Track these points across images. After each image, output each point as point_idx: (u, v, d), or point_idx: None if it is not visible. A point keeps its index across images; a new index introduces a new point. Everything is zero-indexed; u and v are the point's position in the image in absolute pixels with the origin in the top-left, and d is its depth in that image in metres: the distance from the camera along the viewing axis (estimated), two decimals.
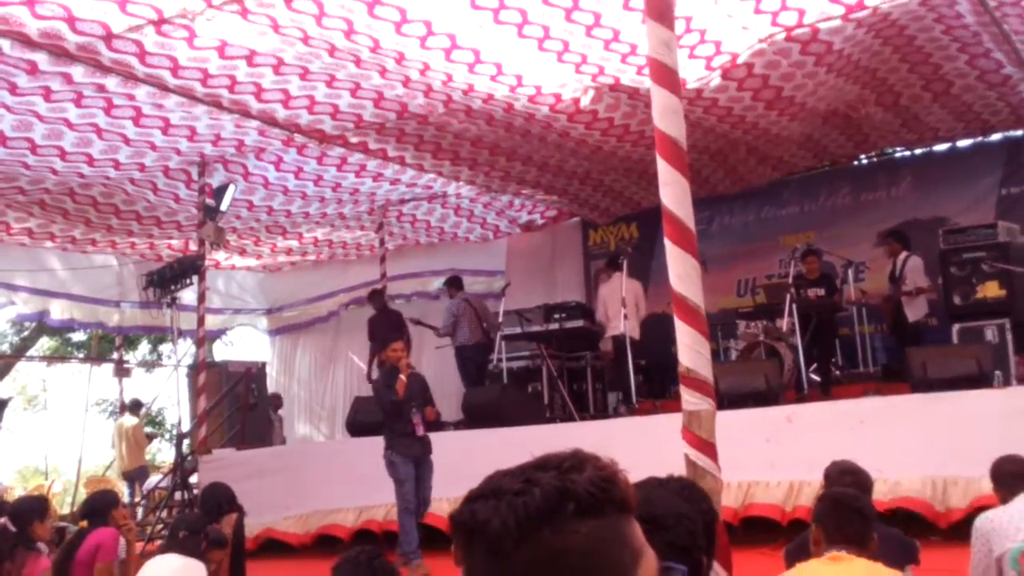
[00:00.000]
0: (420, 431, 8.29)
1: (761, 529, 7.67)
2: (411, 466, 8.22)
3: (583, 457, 1.18)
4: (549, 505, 1.11)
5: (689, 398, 4.30)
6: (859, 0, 7.78)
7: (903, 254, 10.67)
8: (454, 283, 12.71)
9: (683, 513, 2.29)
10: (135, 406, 15.13)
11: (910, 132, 11.44)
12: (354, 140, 10.02)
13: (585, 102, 9.11)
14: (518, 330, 11.04)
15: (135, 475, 13.99)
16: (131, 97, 8.44)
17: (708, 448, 4.22)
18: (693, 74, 8.56)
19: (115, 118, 8.88)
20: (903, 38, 8.79)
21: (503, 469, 1.19)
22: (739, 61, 8.59)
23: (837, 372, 11.03)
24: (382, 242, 13.58)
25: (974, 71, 9.46)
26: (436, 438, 9.29)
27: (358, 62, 7.96)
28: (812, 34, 8.30)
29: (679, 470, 4.06)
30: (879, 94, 10.19)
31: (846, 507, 3.43)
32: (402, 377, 8.28)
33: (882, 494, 7.01)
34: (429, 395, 8.58)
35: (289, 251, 14.87)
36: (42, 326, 19.01)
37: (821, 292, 10.52)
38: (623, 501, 1.16)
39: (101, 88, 8.18)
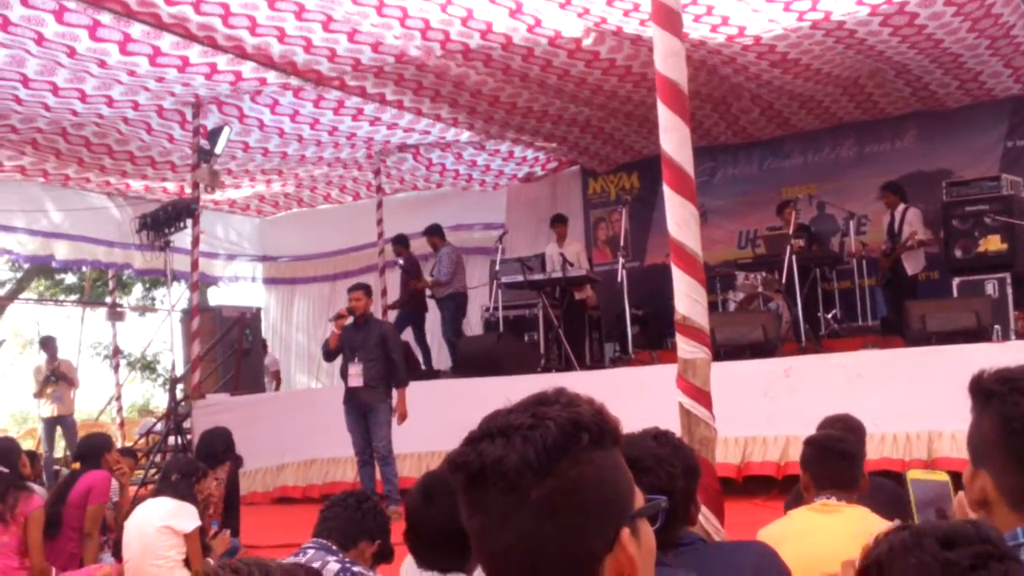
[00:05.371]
0: (352, 382, 8.32)
1: (756, 481, 7.69)
2: (352, 417, 8.36)
3: (572, 394, 1.20)
4: (565, 436, 1.13)
5: (685, 346, 4.25)
6: None
7: (901, 206, 10.59)
8: (438, 232, 12.56)
9: (662, 456, 2.40)
10: (43, 343, 13.41)
11: (919, 101, 11.38)
12: (352, 83, 9.87)
13: (587, 43, 8.97)
14: (520, 278, 10.96)
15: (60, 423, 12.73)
16: (126, 36, 8.28)
17: (703, 396, 4.18)
18: (697, 35, 8.50)
19: (110, 68, 8.77)
20: (913, 27, 8.75)
21: (501, 409, 1.18)
22: (746, 32, 8.58)
23: (836, 325, 10.99)
24: (379, 187, 13.47)
25: (984, 40, 9.34)
26: (427, 387, 9.30)
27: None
28: (824, 15, 8.34)
29: (675, 420, 4.02)
30: (895, 70, 10.20)
31: (829, 449, 3.44)
32: (335, 331, 8.43)
33: (878, 451, 7.04)
34: (389, 346, 8.45)
35: (286, 192, 14.76)
36: (38, 267, 18.95)
37: (800, 243, 10.43)
38: (616, 433, 1.19)
39: (95, 24, 8.01)
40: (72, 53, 8.49)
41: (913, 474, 1.68)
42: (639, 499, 1.20)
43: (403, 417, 8.34)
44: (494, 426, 1.16)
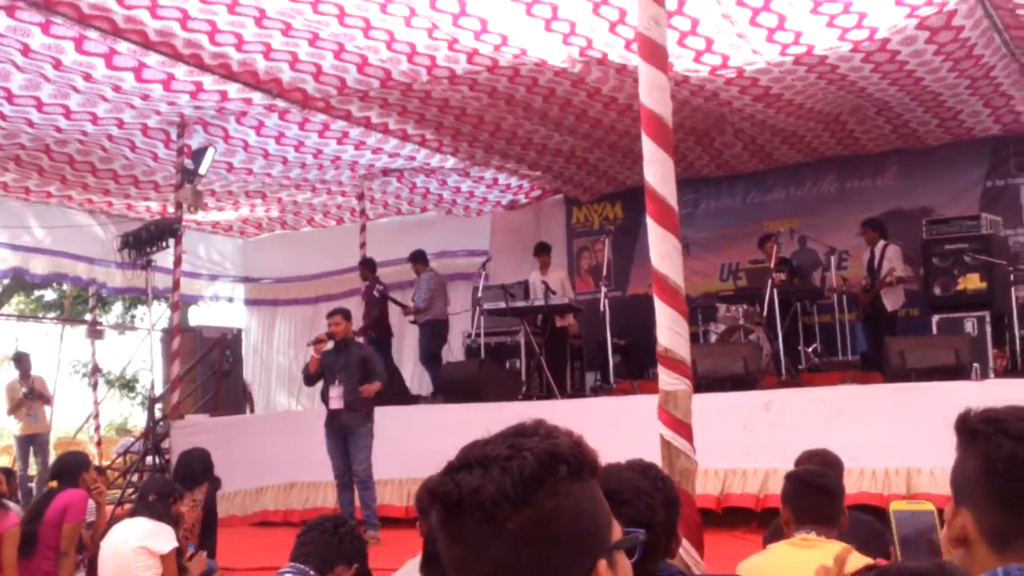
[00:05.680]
0: (333, 405, 8.38)
1: (735, 513, 7.70)
2: (332, 440, 8.40)
3: (551, 426, 1.21)
4: (543, 468, 1.14)
5: (666, 378, 4.26)
6: (869, 35, 8.04)
7: (881, 243, 10.69)
8: (421, 258, 12.62)
9: (642, 488, 2.37)
10: (16, 360, 13.00)
11: (899, 138, 11.52)
12: (337, 106, 9.90)
13: (573, 72, 9.03)
14: (502, 305, 10.99)
15: (32, 441, 12.36)
16: (112, 49, 8.25)
17: (683, 429, 4.19)
18: (680, 64, 8.53)
19: (95, 82, 8.78)
20: (894, 63, 8.89)
21: (479, 440, 1.19)
22: (729, 64, 8.63)
23: (816, 359, 11.05)
24: (363, 212, 13.50)
25: (964, 80, 9.48)
26: (407, 413, 9.27)
27: (341, 17, 7.80)
28: (807, 50, 8.44)
29: (655, 450, 4.03)
30: (876, 107, 10.35)
31: (809, 485, 3.45)
32: (314, 355, 8.50)
33: (856, 485, 7.05)
34: (369, 368, 8.52)
35: (268, 210, 14.75)
36: (18, 283, 18.82)
37: (782, 277, 10.50)
38: (594, 465, 1.20)
39: (82, 37, 7.99)
40: (58, 65, 8.44)
41: (896, 505, 1.69)
42: (617, 531, 1.21)
43: (368, 391, 8.39)
44: (472, 456, 1.17)
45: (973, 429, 1.56)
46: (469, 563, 1.14)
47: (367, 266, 12.75)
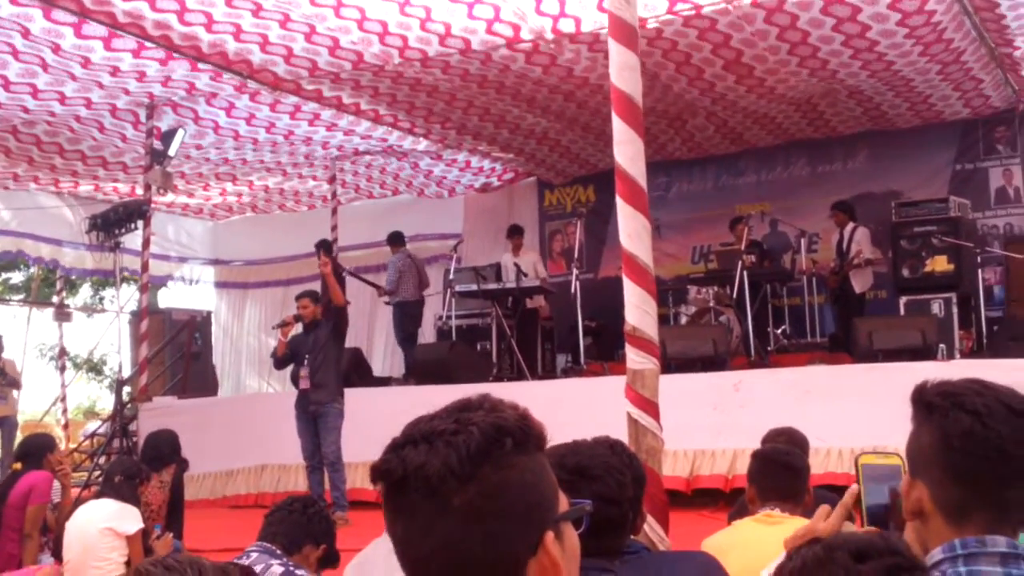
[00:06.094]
0: (303, 384, 8.38)
1: (704, 494, 7.75)
2: (303, 422, 8.37)
3: (496, 400, 1.19)
4: (488, 442, 1.11)
5: (634, 357, 4.26)
6: None
7: (850, 225, 10.76)
8: (396, 239, 12.64)
9: (612, 465, 2.35)
10: None
11: (870, 120, 11.58)
12: (308, 88, 9.82)
13: (544, 50, 8.97)
14: (474, 287, 10.99)
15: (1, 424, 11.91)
16: (82, 19, 8.11)
17: (651, 407, 4.20)
18: (652, 11, 8.26)
19: (65, 55, 8.65)
20: (865, 39, 8.87)
21: (424, 415, 1.18)
22: (704, 12, 8.47)
23: (785, 340, 11.12)
24: (334, 195, 13.43)
25: (935, 65, 9.52)
26: (378, 394, 9.22)
27: None
28: (778, 3, 8.28)
29: (623, 430, 4.04)
30: (848, 91, 10.39)
31: (775, 462, 3.47)
32: (281, 339, 8.50)
33: (823, 466, 7.11)
34: (336, 330, 8.54)
35: (239, 198, 14.65)
36: None
37: (752, 259, 10.56)
38: (540, 438, 1.18)
39: (50, 6, 7.85)
40: (26, 34, 8.22)
41: (866, 459, 1.70)
42: (564, 504, 1.19)
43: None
44: (417, 432, 1.15)
45: (929, 403, 1.56)
46: (415, 540, 1.12)
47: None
